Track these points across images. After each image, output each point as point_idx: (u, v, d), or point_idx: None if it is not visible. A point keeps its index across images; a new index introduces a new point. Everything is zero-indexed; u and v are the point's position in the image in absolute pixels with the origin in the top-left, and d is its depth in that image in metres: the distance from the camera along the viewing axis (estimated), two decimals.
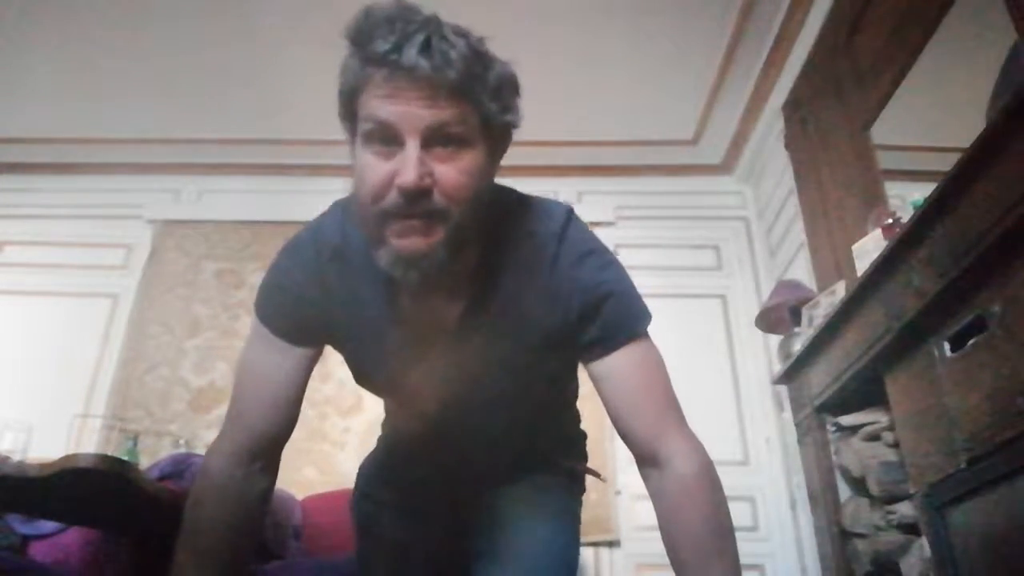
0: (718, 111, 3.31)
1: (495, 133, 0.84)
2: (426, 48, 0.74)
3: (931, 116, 2.16)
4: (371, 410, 2.88)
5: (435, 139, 0.77)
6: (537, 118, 3.35)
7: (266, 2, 2.79)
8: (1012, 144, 1.33)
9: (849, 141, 2.47)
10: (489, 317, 0.93)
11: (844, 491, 2.17)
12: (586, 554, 2.89)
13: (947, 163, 1.50)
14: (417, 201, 0.77)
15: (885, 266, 1.78)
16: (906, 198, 1.96)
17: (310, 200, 3.88)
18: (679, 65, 3.05)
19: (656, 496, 0.91)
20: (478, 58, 0.79)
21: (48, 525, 2.19)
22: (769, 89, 3.11)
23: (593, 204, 3.61)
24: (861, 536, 2.01)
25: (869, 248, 1.97)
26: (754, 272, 3.44)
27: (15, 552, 2.13)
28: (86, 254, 3.55)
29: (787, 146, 3.03)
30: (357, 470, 1.33)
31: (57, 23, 2.89)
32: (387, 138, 0.78)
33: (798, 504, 2.85)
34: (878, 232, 1.97)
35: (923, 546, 1.71)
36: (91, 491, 1.74)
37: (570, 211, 0.96)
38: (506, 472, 1.17)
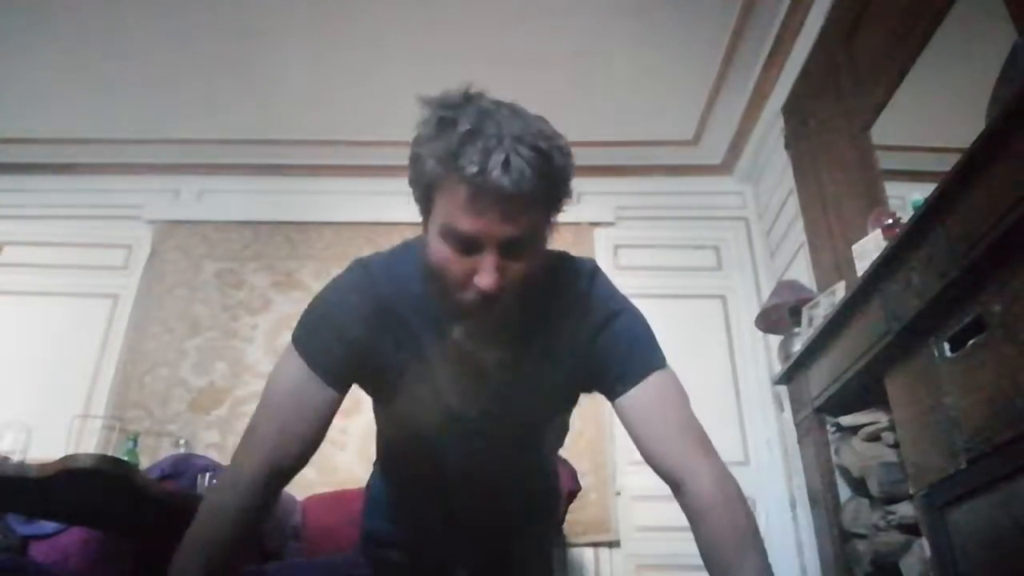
0: (718, 111, 3.31)
1: (557, 212, 0.95)
2: (506, 168, 0.81)
3: (931, 116, 2.16)
4: (370, 411, 2.87)
5: (510, 246, 0.87)
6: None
7: (266, 2, 2.79)
8: (1012, 144, 1.33)
9: (849, 141, 2.47)
10: (527, 365, 1.03)
11: (844, 491, 2.17)
12: (586, 554, 2.89)
13: (947, 163, 1.50)
14: (494, 299, 0.88)
15: (885, 266, 1.78)
16: (906, 198, 1.95)
17: (310, 200, 3.91)
18: (679, 65, 3.05)
19: (687, 518, 0.97)
20: (548, 164, 0.86)
21: (48, 525, 2.19)
22: (769, 89, 3.11)
23: (593, 204, 3.60)
24: (861, 536, 2.01)
25: (869, 248, 1.97)
26: (754, 272, 3.44)
27: (15, 553, 2.13)
28: (86, 254, 3.54)
29: (787, 146, 3.03)
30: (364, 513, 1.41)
31: (57, 23, 2.89)
32: (467, 245, 0.87)
33: (798, 504, 2.85)
34: (878, 232, 1.97)
35: (923, 546, 1.71)
36: (91, 491, 1.74)
37: (595, 270, 1.07)
38: (509, 515, 1.28)
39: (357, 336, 1.01)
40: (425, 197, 0.92)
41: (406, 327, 1.01)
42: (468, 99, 0.87)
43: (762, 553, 0.90)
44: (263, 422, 1.00)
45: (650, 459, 0.99)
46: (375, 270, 1.04)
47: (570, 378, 1.07)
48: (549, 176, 0.86)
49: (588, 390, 1.09)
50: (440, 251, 0.89)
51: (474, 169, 0.81)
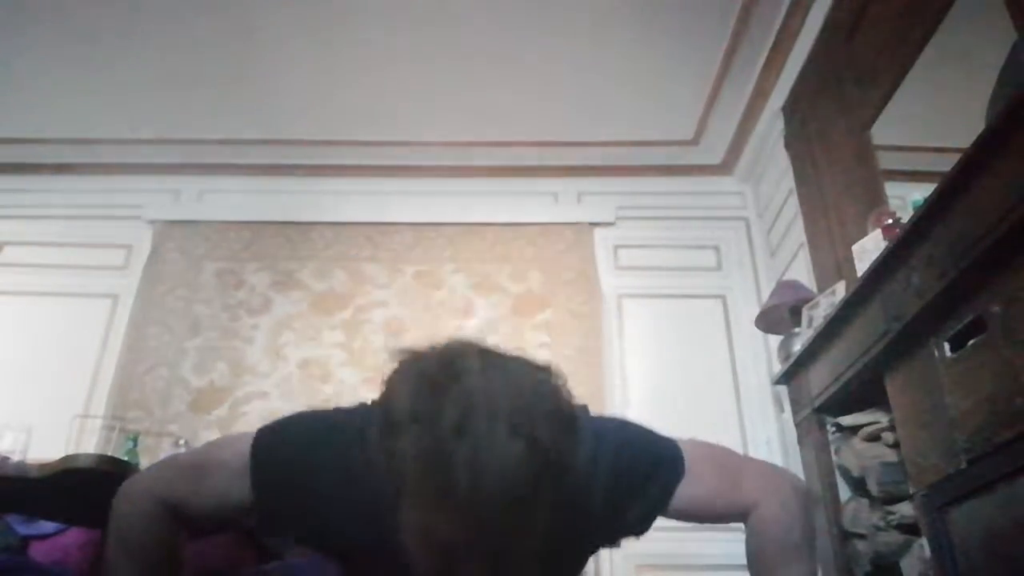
0: (718, 111, 3.30)
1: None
2: (500, 474, 0.72)
3: (931, 116, 2.16)
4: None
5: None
6: (538, 119, 3.37)
7: (266, 2, 2.79)
8: (1012, 144, 1.33)
9: (849, 141, 2.47)
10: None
11: (844, 491, 2.17)
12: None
13: (947, 163, 1.50)
14: None
15: (885, 266, 1.77)
16: (906, 198, 1.95)
17: (310, 200, 3.91)
18: (679, 65, 3.05)
19: (748, 541, 1.00)
20: (544, 456, 0.75)
21: (48, 525, 2.18)
22: (769, 89, 3.11)
23: (593, 204, 3.61)
24: (861, 536, 2.01)
25: (869, 248, 1.97)
26: (754, 272, 3.44)
27: (15, 553, 2.13)
28: (86, 254, 3.54)
29: (787, 146, 3.03)
30: None
31: (57, 23, 2.89)
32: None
33: None
34: (878, 232, 1.97)
35: (923, 546, 1.71)
36: (91, 491, 1.74)
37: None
38: None
39: (320, 508, 0.92)
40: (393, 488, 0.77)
41: (373, 515, 0.86)
42: (452, 379, 0.75)
43: (808, 562, 0.95)
44: (182, 475, 0.98)
45: (721, 521, 1.03)
46: (350, 439, 0.90)
47: (595, 544, 1.05)
48: (545, 469, 0.75)
49: (627, 535, 1.05)
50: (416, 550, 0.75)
51: (460, 486, 0.70)
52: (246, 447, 0.95)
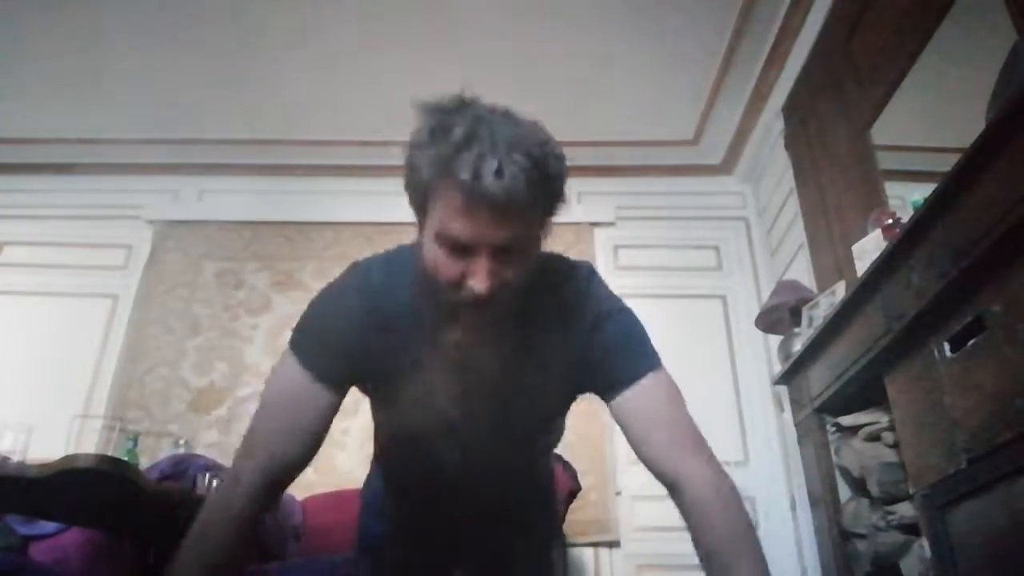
0: (718, 111, 3.31)
1: (551, 216, 0.96)
2: (499, 175, 0.82)
3: (931, 116, 2.16)
4: (369, 412, 2.87)
5: (503, 250, 0.89)
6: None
7: (266, 3, 2.79)
8: (1012, 144, 1.33)
9: (849, 141, 2.47)
10: (521, 368, 1.03)
11: (844, 491, 2.17)
12: (586, 554, 2.89)
13: (947, 163, 1.50)
14: (487, 302, 0.90)
15: (885, 266, 1.78)
16: (906, 198, 1.95)
17: (310, 200, 3.91)
18: (679, 65, 3.05)
19: (683, 518, 0.97)
20: (541, 170, 0.87)
21: (48, 525, 2.19)
22: (769, 89, 3.11)
23: (593, 204, 3.61)
24: (861, 536, 2.01)
25: (869, 248, 1.97)
26: (754, 272, 3.44)
27: (15, 553, 2.13)
28: (86, 254, 3.54)
29: (787, 146, 3.03)
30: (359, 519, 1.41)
31: (57, 23, 2.89)
32: (461, 249, 0.88)
33: (798, 504, 2.85)
34: (878, 232, 1.97)
35: (923, 546, 1.71)
36: (91, 491, 1.74)
37: (590, 272, 1.08)
38: (506, 516, 1.28)
39: (352, 341, 1.01)
40: (420, 202, 0.93)
41: (401, 331, 1.01)
42: (463, 105, 0.88)
43: (758, 553, 0.90)
44: (262, 426, 1.01)
45: (645, 461, 0.99)
46: (371, 274, 1.04)
47: (564, 380, 1.07)
48: (542, 182, 0.87)
49: (583, 391, 1.09)
50: (434, 254, 0.90)
51: (468, 176, 0.82)
52: (285, 353, 1.03)
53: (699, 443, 0.99)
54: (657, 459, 0.97)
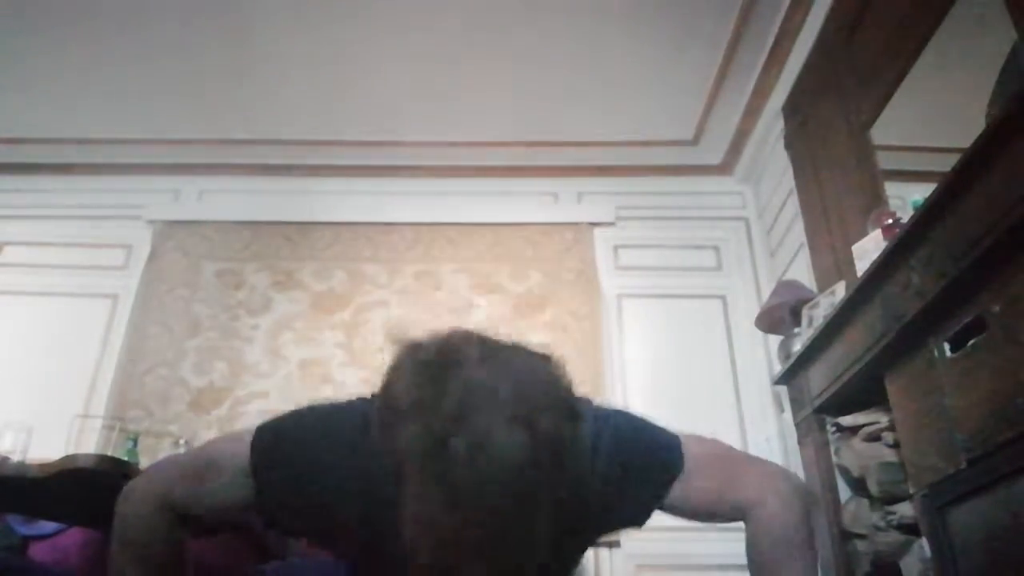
0: (718, 111, 3.30)
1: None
2: (499, 463, 0.71)
3: (931, 116, 2.16)
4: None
5: None
6: (537, 119, 3.37)
7: (266, 3, 2.78)
8: (1012, 144, 1.33)
9: (849, 141, 2.47)
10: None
11: (844, 491, 2.17)
12: (586, 555, 2.89)
13: (947, 163, 1.50)
14: None
15: (885, 266, 1.77)
16: (906, 198, 1.95)
17: (310, 200, 3.91)
18: (679, 65, 3.05)
19: (748, 541, 0.99)
20: (545, 450, 0.74)
21: (48, 526, 2.19)
22: (769, 89, 3.11)
23: (593, 204, 3.61)
24: (861, 536, 2.01)
25: (869, 248, 1.97)
26: (754, 272, 3.44)
27: (15, 553, 2.13)
28: (86, 254, 3.54)
29: (787, 146, 3.03)
30: None
31: (57, 23, 2.89)
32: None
33: None
34: (878, 232, 1.97)
35: (923, 546, 1.71)
36: (91, 491, 1.74)
37: (594, 427, 0.95)
38: None
39: (322, 505, 0.91)
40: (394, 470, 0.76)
41: (386, 521, 0.82)
42: (452, 367, 0.74)
43: (806, 560, 0.94)
44: (187, 474, 0.97)
45: (720, 520, 1.02)
46: (352, 430, 0.90)
47: (589, 540, 1.05)
48: (546, 459, 0.73)
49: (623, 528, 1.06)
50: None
51: (460, 475, 0.69)
52: (246, 444, 0.94)
53: (744, 470, 1.01)
54: (725, 515, 1.00)
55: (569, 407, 0.78)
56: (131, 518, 0.95)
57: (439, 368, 0.74)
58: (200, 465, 0.98)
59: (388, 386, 0.78)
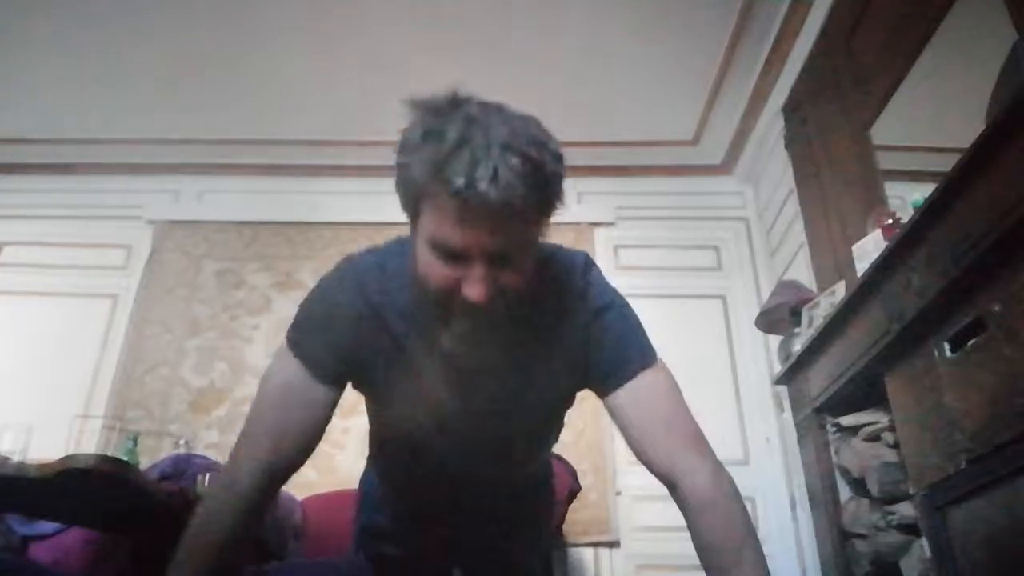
0: (718, 111, 3.30)
1: (548, 218, 0.93)
2: (494, 179, 0.79)
3: (931, 116, 2.16)
4: None
5: (499, 256, 0.86)
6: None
7: (266, 2, 2.79)
8: (1012, 144, 1.33)
9: (849, 141, 2.47)
10: (518, 366, 1.02)
11: (844, 491, 2.17)
12: (586, 554, 2.89)
13: (947, 163, 1.50)
14: (485, 308, 0.86)
15: (885, 266, 1.78)
16: (906, 198, 1.95)
17: (310, 200, 3.91)
18: (679, 65, 3.05)
19: (684, 517, 0.96)
20: (538, 172, 0.83)
21: (48, 526, 2.19)
22: (769, 89, 3.11)
23: (593, 204, 3.61)
24: (861, 536, 2.01)
25: (869, 248, 1.97)
26: (754, 272, 3.44)
27: (15, 553, 2.13)
28: (86, 254, 3.54)
29: (787, 146, 3.03)
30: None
31: (57, 23, 2.89)
32: (455, 256, 0.85)
33: (798, 504, 2.85)
34: (878, 232, 1.97)
35: (923, 546, 1.71)
36: (91, 491, 1.74)
37: (586, 263, 1.06)
38: (504, 514, 1.28)
39: (346, 338, 1.00)
40: (412, 205, 0.90)
41: (398, 331, 1.00)
42: (455, 104, 0.85)
43: (758, 553, 0.90)
44: (259, 422, 1.00)
45: (643, 459, 0.98)
46: (364, 271, 1.03)
47: (563, 377, 1.05)
48: (539, 184, 0.84)
49: (581, 388, 1.08)
50: (427, 261, 0.88)
51: (461, 182, 0.79)
52: (281, 349, 1.04)
53: (698, 440, 0.98)
54: (656, 458, 0.97)
55: (556, 151, 0.87)
56: (230, 499, 0.95)
57: (444, 107, 0.84)
58: (258, 402, 1.02)
59: (403, 132, 0.88)
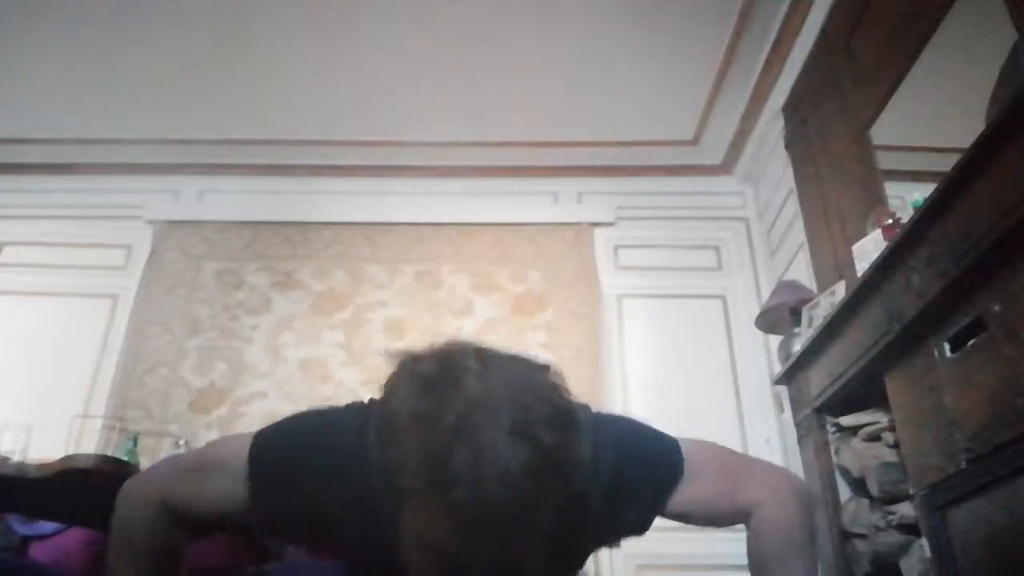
0: (718, 111, 3.30)
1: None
2: (502, 481, 0.70)
3: (931, 116, 2.16)
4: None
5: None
6: (537, 119, 3.37)
7: (266, 2, 2.79)
8: (1012, 144, 1.33)
9: (849, 141, 2.47)
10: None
11: (844, 491, 2.17)
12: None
13: (947, 163, 1.50)
14: None
15: (885, 266, 1.77)
16: (906, 198, 1.95)
17: (310, 200, 3.91)
18: (679, 65, 3.05)
19: (749, 542, 0.99)
20: (547, 459, 0.73)
21: (48, 526, 2.19)
22: (769, 89, 3.11)
23: (593, 204, 3.60)
24: (861, 536, 2.01)
25: (869, 248, 1.97)
26: (754, 272, 3.44)
27: (15, 553, 2.13)
28: (86, 254, 3.54)
29: (787, 146, 3.03)
30: None
31: (57, 23, 2.89)
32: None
33: None
34: (878, 232, 1.97)
35: (923, 546, 1.71)
36: (91, 491, 1.74)
37: (594, 438, 0.90)
38: None
39: (322, 519, 0.91)
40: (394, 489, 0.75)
41: (382, 527, 0.80)
42: (451, 381, 0.73)
43: (809, 563, 0.95)
44: (184, 477, 0.98)
45: (721, 524, 1.02)
46: (366, 450, 0.83)
47: (589, 546, 1.04)
48: (547, 471, 0.72)
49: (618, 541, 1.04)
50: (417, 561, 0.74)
51: (462, 489, 0.68)
52: (244, 450, 0.94)
53: (744, 473, 1.01)
54: (726, 522, 1.00)
55: (569, 418, 0.77)
56: (129, 518, 0.95)
57: (437, 382, 0.74)
58: (198, 467, 0.99)
59: (387, 401, 0.78)
